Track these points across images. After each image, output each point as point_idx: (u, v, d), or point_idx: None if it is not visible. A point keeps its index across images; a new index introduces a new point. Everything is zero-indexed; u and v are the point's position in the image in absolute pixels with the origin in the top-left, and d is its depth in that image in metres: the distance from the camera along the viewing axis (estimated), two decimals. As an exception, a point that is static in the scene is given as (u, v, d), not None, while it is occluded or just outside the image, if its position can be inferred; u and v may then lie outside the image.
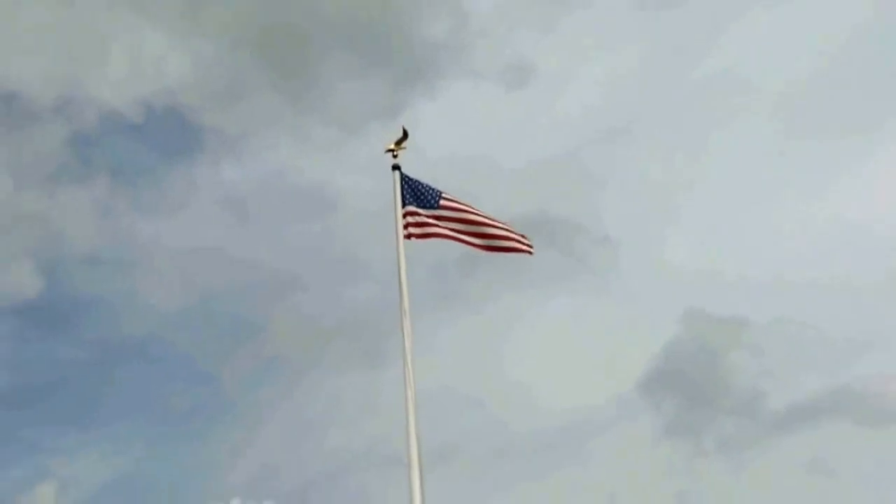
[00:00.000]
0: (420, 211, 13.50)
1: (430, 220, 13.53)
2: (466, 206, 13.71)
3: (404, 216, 13.37)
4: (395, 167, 13.67)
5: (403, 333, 13.90)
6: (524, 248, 13.55)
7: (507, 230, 13.60)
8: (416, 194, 13.60)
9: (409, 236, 13.34)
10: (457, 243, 13.79)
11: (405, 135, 13.98)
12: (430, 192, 13.65)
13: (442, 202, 13.55)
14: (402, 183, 13.57)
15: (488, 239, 13.64)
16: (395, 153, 13.81)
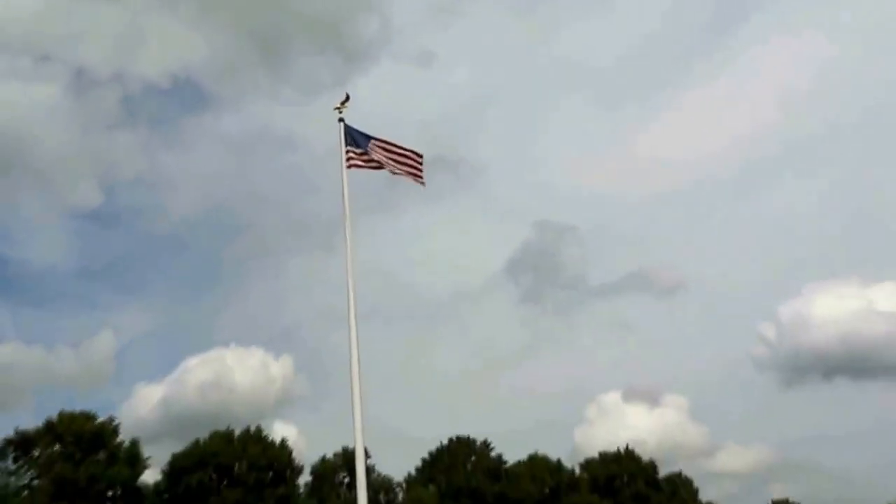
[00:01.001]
0: (356, 150, 19.33)
1: (364, 157, 19.40)
2: (387, 144, 19.55)
3: (347, 153, 19.16)
4: (341, 120, 19.20)
5: (345, 232, 20.11)
6: (419, 178, 19.58)
7: (413, 163, 19.56)
8: (355, 138, 19.30)
9: (349, 167, 19.21)
10: (379, 171, 19.80)
11: (347, 98, 19.43)
12: (363, 137, 19.38)
13: (371, 144, 19.39)
14: (345, 131, 19.22)
15: (398, 168, 19.58)
16: (340, 110, 19.32)
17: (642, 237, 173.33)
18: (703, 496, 69.11)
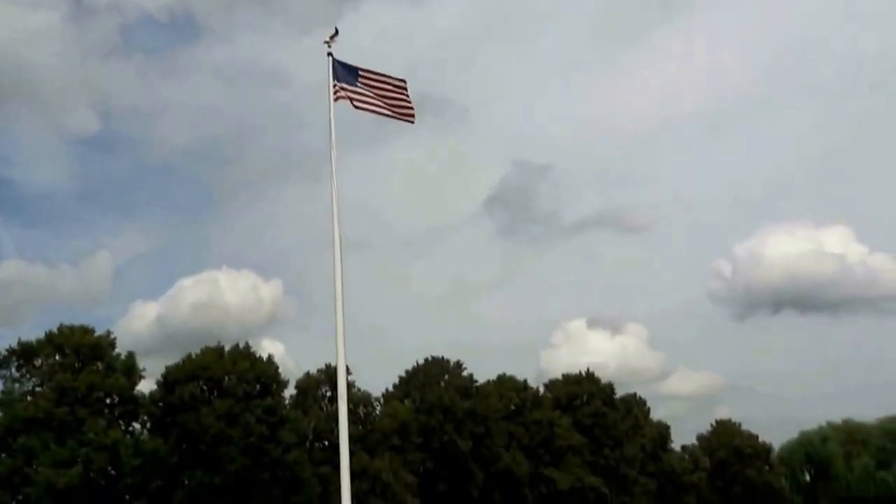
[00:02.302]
0: (345, 85, 19.05)
1: (351, 92, 19.17)
2: (377, 77, 19.26)
3: (334, 87, 18.94)
4: (329, 54, 18.86)
5: (331, 163, 20.05)
6: (408, 116, 19.41)
7: (402, 101, 19.33)
8: (343, 72, 19.05)
9: (336, 99, 18.99)
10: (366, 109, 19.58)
11: (336, 32, 19.00)
12: (352, 70, 19.12)
13: (360, 78, 19.15)
14: (333, 65, 18.91)
15: (387, 108, 19.40)
16: (329, 44, 18.93)
17: (613, 177, 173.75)
18: (654, 415, 71.86)
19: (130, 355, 45.13)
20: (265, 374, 47.75)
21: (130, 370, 43.91)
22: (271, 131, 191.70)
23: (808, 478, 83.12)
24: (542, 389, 67.47)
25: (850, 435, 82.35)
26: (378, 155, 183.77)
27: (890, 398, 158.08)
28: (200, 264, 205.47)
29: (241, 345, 49.59)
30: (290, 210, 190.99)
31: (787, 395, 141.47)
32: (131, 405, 43.88)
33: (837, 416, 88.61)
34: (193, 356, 48.10)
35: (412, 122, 19.69)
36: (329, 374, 51.47)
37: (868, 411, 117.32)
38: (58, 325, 43.79)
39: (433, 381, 60.31)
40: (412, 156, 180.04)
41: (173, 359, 48.82)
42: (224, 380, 46.70)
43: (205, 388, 46.58)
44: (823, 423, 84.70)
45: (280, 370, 49.35)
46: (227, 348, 48.87)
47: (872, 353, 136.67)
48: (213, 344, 49.11)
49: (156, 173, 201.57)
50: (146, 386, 46.25)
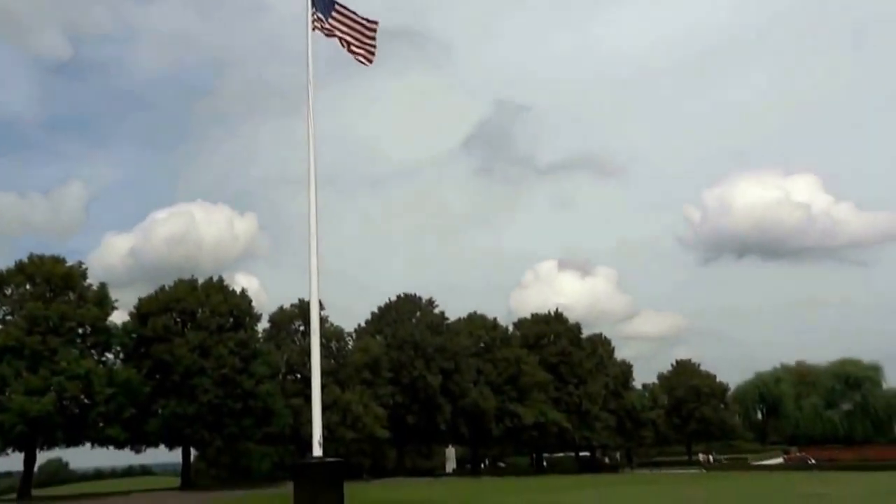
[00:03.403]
0: (321, 16, 18.48)
1: (327, 25, 18.61)
2: (349, 15, 18.68)
3: (313, 15, 18.37)
4: (307, -18, 18.25)
5: (308, 94, 19.49)
6: (367, 58, 18.83)
7: (367, 43, 18.76)
8: (320, 4, 18.44)
9: (314, 29, 18.47)
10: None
11: (314, -40, 18.29)
12: (329, 3, 18.54)
13: (334, 12, 18.57)
14: (310, -5, 18.28)
15: (355, 44, 18.82)
16: (307, -28, 18.25)
17: (591, 121, 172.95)
18: (618, 355, 73.55)
19: (102, 286, 44.56)
20: (238, 308, 47.64)
21: (103, 301, 43.41)
22: (249, 62, 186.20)
23: (760, 416, 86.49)
24: (511, 328, 68.52)
25: (802, 377, 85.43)
26: (357, 90, 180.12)
27: (842, 343, 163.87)
28: (175, 197, 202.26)
29: (215, 278, 49.30)
30: (267, 144, 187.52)
31: (746, 337, 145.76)
32: (104, 336, 43.56)
33: (792, 358, 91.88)
34: (167, 289, 47.75)
35: (368, 65, 19.22)
36: (302, 308, 51.55)
37: (821, 355, 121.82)
38: (28, 255, 42.95)
39: (405, 318, 60.80)
40: (392, 92, 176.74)
41: (146, 292, 48.50)
42: (197, 312, 46.52)
43: (178, 320, 46.42)
44: (778, 365, 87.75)
45: (253, 304, 49.28)
46: (200, 281, 48.55)
47: (829, 300, 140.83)
48: (186, 277, 48.78)
49: (129, 102, 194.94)
50: (119, 317, 45.93)
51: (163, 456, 55.70)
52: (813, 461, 56.51)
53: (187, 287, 47.38)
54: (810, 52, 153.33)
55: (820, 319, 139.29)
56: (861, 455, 58.80)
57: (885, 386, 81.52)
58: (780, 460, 62.33)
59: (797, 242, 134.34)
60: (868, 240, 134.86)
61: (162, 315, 45.21)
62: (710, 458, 65.16)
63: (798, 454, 63.90)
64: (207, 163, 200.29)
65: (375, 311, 63.16)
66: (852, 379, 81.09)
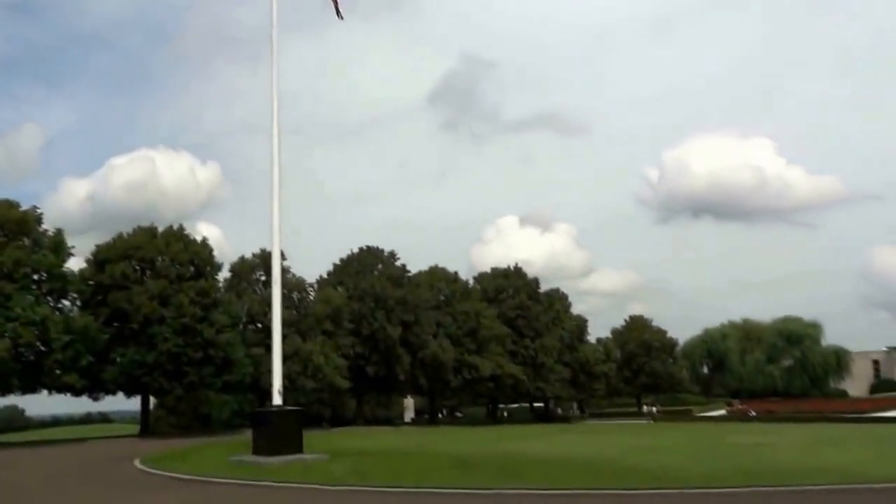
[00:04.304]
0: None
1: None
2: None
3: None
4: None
5: (272, 43, 18.91)
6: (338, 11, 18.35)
7: None
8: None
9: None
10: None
11: None
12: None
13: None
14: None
15: None
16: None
17: (557, 78, 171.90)
18: (574, 309, 74.77)
19: (59, 232, 43.15)
20: (199, 257, 46.80)
21: (59, 247, 42.10)
22: (212, 5, 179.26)
23: (706, 370, 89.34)
24: (471, 282, 68.95)
25: (747, 333, 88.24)
26: (322, 38, 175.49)
27: (786, 301, 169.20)
28: (135, 143, 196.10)
29: (176, 227, 48.23)
30: (231, 91, 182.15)
31: (697, 295, 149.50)
32: (60, 282, 42.36)
33: (739, 315, 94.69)
34: (125, 236, 46.59)
35: (341, 18, 18.79)
36: (264, 258, 50.94)
37: (766, 312, 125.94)
38: (-21, 198, 41.21)
39: (367, 270, 60.60)
40: (359, 42, 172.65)
41: (104, 239, 47.23)
42: (157, 261, 45.58)
43: (137, 268, 45.44)
44: (725, 322, 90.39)
45: (215, 253, 48.46)
46: (160, 229, 47.47)
47: (777, 261, 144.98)
48: (146, 225, 47.63)
49: (87, 44, 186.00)
50: (76, 264, 44.70)
51: (121, 404, 55.10)
52: (753, 413, 58.76)
53: (147, 234, 46.29)
54: (770, 19, 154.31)
55: (767, 278, 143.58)
56: (797, 408, 61.34)
57: (823, 343, 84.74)
58: (723, 412, 64.69)
59: (750, 204, 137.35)
60: (814, 203, 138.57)
61: (120, 262, 44.18)
62: (654, 409, 67.26)
63: (740, 406, 66.36)
64: (170, 109, 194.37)
65: (338, 262, 62.82)
66: (794, 336, 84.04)
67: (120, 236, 46.53)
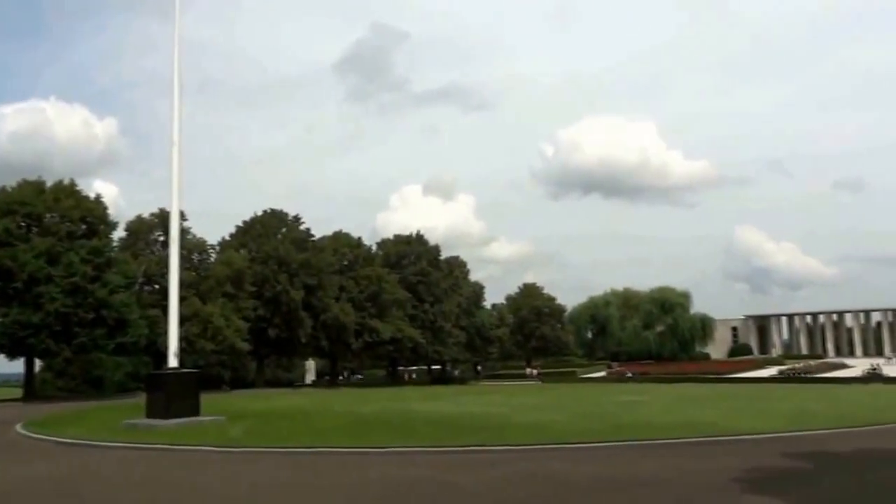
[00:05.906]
0: None
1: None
2: None
3: None
4: None
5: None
6: None
7: None
8: None
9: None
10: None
11: None
12: None
13: None
14: None
15: None
16: None
17: (465, 53, 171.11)
18: (473, 276, 75.69)
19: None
20: (92, 214, 43.48)
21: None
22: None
23: (590, 335, 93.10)
24: (374, 248, 68.23)
25: (627, 301, 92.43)
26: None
27: (663, 272, 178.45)
28: (25, 92, 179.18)
29: (66, 182, 44.47)
30: (133, 46, 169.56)
31: (585, 266, 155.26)
32: (-66, 237, 38.35)
33: (620, 284, 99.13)
34: (9, 189, 42.56)
35: None
36: (163, 218, 48.06)
37: (644, 282, 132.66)
38: None
39: (270, 233, 58.61)
40: (271, 3, 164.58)
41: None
42: (45, 217, 42.00)
43: (22, 224, 41.71)
44: (608, 290, 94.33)
45: (109, 211, 45.15)
46: (49, 184, 43.65)
47: (656, 235, 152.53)
48: (33, 179, 43.63)
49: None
50: (-49, 218, 40.44)
51: (2, 366, 50.82)
52: (630, 374, 61.78)
53: (34, 189, 42.45)
54: (662, 18, 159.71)
55: (647, 251, 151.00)
56: (667, 369, 65.04)
57: (692, 311, 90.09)
58: (603, 374, 67.70)
59: (634, 182, 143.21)
60: (690, 184, 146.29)
61: (3, 218, 40.36)
62: (534, 371, 69.60)
63: (618, 368, 69.62)
64: (64, 59, 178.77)
65: (241, 224, 60.36)
66: (667, 304, 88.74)
67: (3, 190, 42.49)
